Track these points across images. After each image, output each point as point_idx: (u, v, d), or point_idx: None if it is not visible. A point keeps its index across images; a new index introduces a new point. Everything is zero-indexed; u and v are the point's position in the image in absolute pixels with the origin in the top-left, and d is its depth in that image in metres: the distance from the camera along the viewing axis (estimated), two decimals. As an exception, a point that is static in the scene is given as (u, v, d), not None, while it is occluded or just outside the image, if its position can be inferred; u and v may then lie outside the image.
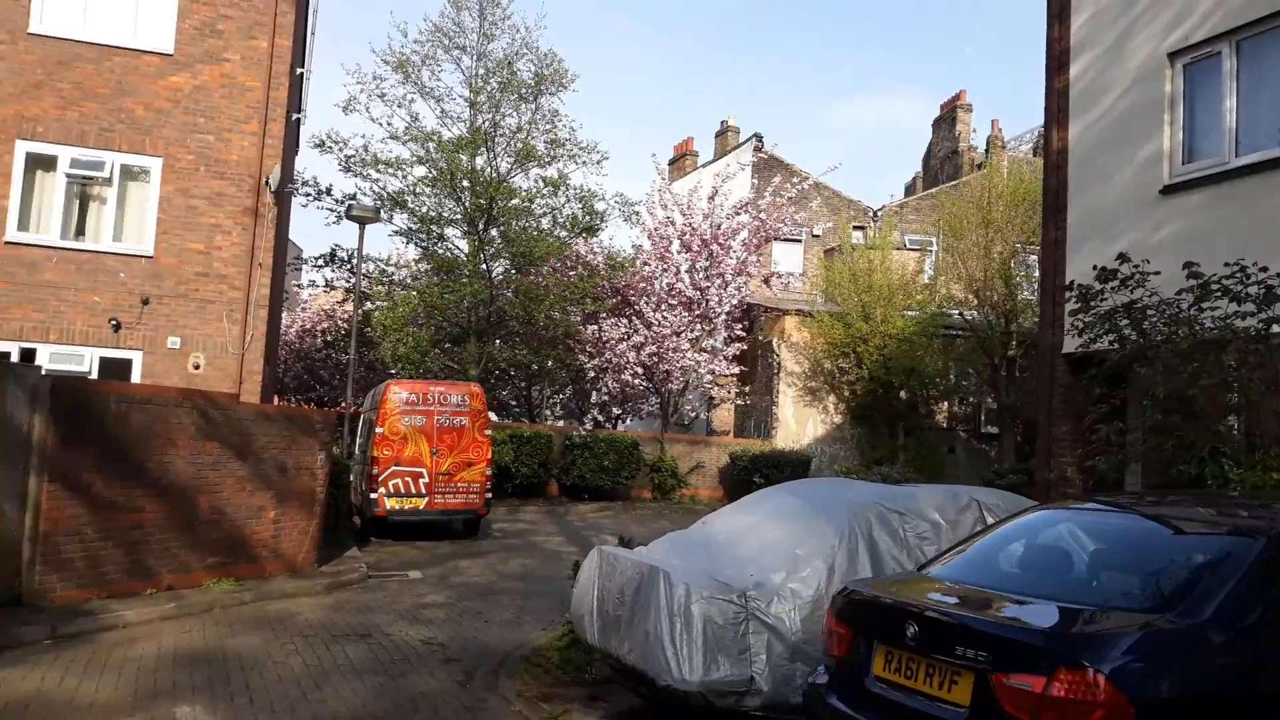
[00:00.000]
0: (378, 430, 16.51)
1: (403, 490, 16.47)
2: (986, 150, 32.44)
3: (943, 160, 36.22)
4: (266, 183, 15.28)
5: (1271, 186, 9.55)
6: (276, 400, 29.45)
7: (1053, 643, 3.90)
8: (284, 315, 32.40)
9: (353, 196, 20.91)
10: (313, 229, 57.65)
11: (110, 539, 9.97)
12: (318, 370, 31.03)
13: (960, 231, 23.82)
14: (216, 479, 11.45)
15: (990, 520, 6.87)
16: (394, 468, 16.38)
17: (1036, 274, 23.43)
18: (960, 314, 24.42)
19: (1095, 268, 8.35)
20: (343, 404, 19.96)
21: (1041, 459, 11.54)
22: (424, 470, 16.51)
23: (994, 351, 23.72)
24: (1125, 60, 11.21)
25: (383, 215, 23.49)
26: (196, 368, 15.20)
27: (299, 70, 16.07)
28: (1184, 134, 10.59)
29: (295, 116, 16.12)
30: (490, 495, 17.23)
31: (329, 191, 23.03)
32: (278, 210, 15.56)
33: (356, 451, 18.29)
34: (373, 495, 16.36)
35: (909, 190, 38.37)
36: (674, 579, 5.92)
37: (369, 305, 25.58)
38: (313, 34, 16.28)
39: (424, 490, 16.53)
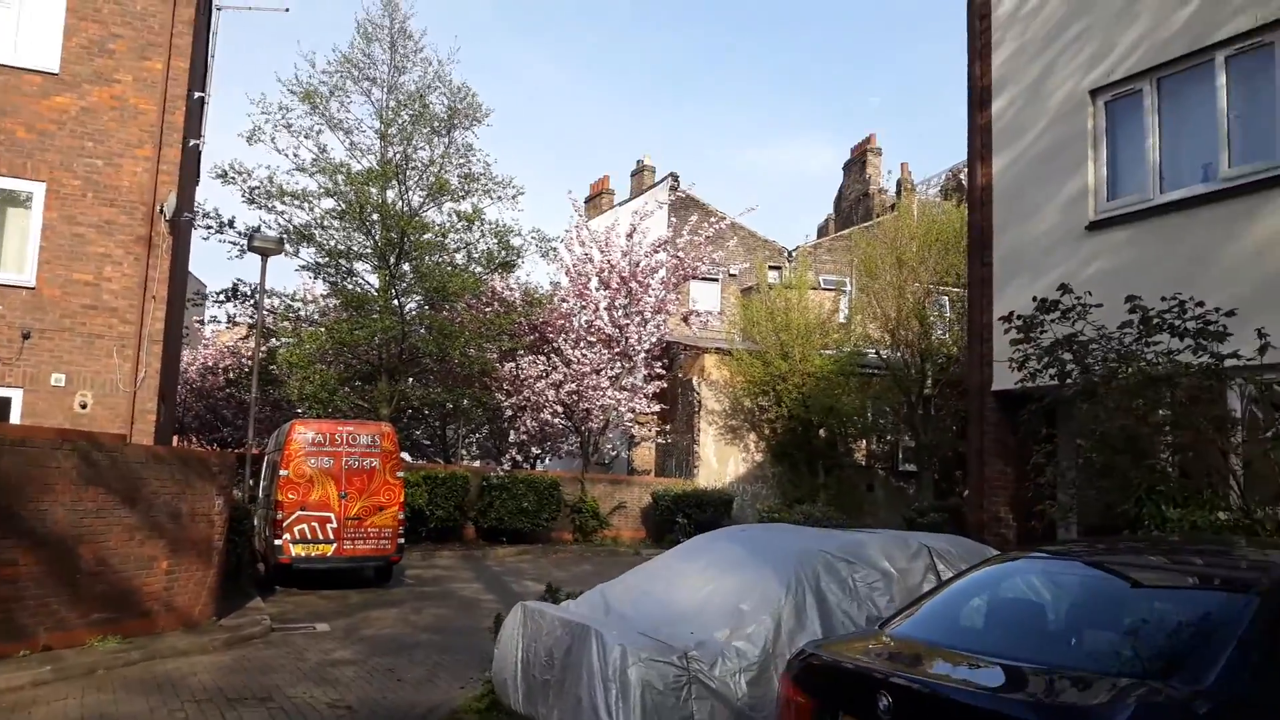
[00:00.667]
0: (282, 473, 15.70)
1: (309, 536, 15.66)
2: (897, 192, 32.76)
3: (854, 202, 36.54)
4: (161, 211, 14.35)
5: (1197, 222, 9.50)
6: (176, 441, 28.17)
7: (1047, 715, 3.44)
8: (184, 352, 31.09)
9: (256, 229, 19.98)
10: (215, 263, 55.56)
11: (-25, 598, 8.97)
12: (220, 410, 29.77)
13: (875, 271, 23.83)
14: (101, 527, 10.50)
15: (941, 566, 6.47)
16: (300, 512, 15.59)
17: (949, 314, 23.75)
18: (877, 353, 24.35)
19: (1035, 299, 8.10)
20: (245, 445, 18.85)
21: (974, 499, 11.28)
22: (332, 515, 15.74)
23: (910, 390, 23.67)
24: (1047, 97, 11.16)
25: (288, 248, 22.75)
26: (84, 407, 14.10)
27: (197, 94, 15.19)
28: (1108, 170, 10.54)
29: (193, 143, 15.20)
30: (403, 540, 16.47)
31: (231, 224, 22.26)
32: (174, 240, 14.62)
33: (260, 495, 17.41)
34: (277, 541, 15.52)
35: (822, 232, 38.64)
36: (608, 640, 5.35)
37: (275, 342, 24.63)
38: (213, 57, 15.43)
39: (332, 536, 15.73)
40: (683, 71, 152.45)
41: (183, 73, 14.66)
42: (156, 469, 11.32)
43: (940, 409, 23.62)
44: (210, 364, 28.99)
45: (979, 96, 11.72)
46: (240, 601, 13.69)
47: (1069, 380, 8.03)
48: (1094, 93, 10.66)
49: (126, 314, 14.25)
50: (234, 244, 22.33)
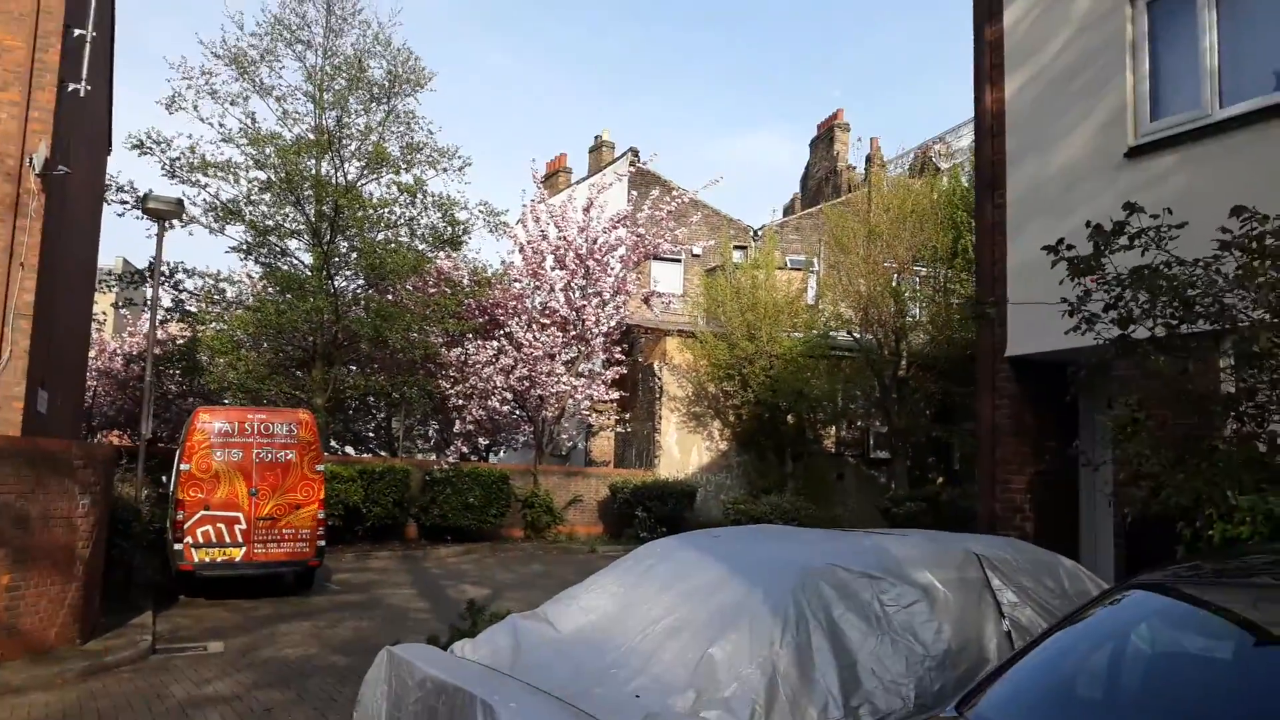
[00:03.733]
0: (183, 467, 13.63)
1: (214, 539, 13.56)
2: (866, 168, 31.07)
3: (821, 180, 34.87)
4: (30, 163, 11.90)
5: (1268, 140, 7.45)
6: (88, 439, 25.86)
7: None
8: (106, 340, 28.81)
9: (178, 203, 17.72)
10: (143, 246, 52.07)
11: None
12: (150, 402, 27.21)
13: (846, 246, 22.09)
14: (-92, 538, 8.17)
15: (997, 582, 4.34)
16: (203, 512, 13.51)
17: (920, 291, 22.04)
18: (849, 334, 22.71)
19: (1088, 224, 6.01)
20: (139, 437, 16.82)
21: (985, 486, 9.25)
22: (241, 515, 13.67)
23: (883, 372, 22.00)
24: (1070, 1, 9.10)
25: (207, 222, 20.98)
26: (-68, 394, 11.64)
27: (77, 31, 12.73)
28: (1150, 84, 8.50)
29: (73, 87, 12.75)
30: (323, 543, 14.33)
31: (146, 198, 19.68)
32: (46, 197, 12.16)
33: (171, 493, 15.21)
34: (177, 546, 13.41)
35: (788, 211, 37.05)
36: (500, 714, 3.14)
37: (201, 327, 22.57)
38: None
39: (240, 539, 13.65)
40: (640, 68, 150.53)
41: (58, 4, 12.21)
42: (-10, 463, 9.02)
43: (915, 392, 21.95)
44: (137, 352, 26.59)
45: (987, 6, 9.65)
46: (128, 617, 11.65)
47: (1130, 330, 5.95)
48: (1131, -8, 8.61)
49: (-14, 284, 11.77)
50: (128, 209, 20.44)
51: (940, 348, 20.91)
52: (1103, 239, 5.86)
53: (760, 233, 30.23)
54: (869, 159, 31.57)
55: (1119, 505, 8.04)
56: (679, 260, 29.04)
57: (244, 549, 13.64)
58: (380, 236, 21.99)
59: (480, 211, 22.65)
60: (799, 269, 26.44)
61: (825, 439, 25.15)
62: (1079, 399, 9.32)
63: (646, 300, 25.33)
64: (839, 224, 22.67)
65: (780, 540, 4.56)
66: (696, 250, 28.91)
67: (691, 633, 3.83)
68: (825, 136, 35.29)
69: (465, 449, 23.09)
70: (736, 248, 27.82)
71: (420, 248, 22.23)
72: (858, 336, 22.39)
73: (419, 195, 21.79)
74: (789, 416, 23.69)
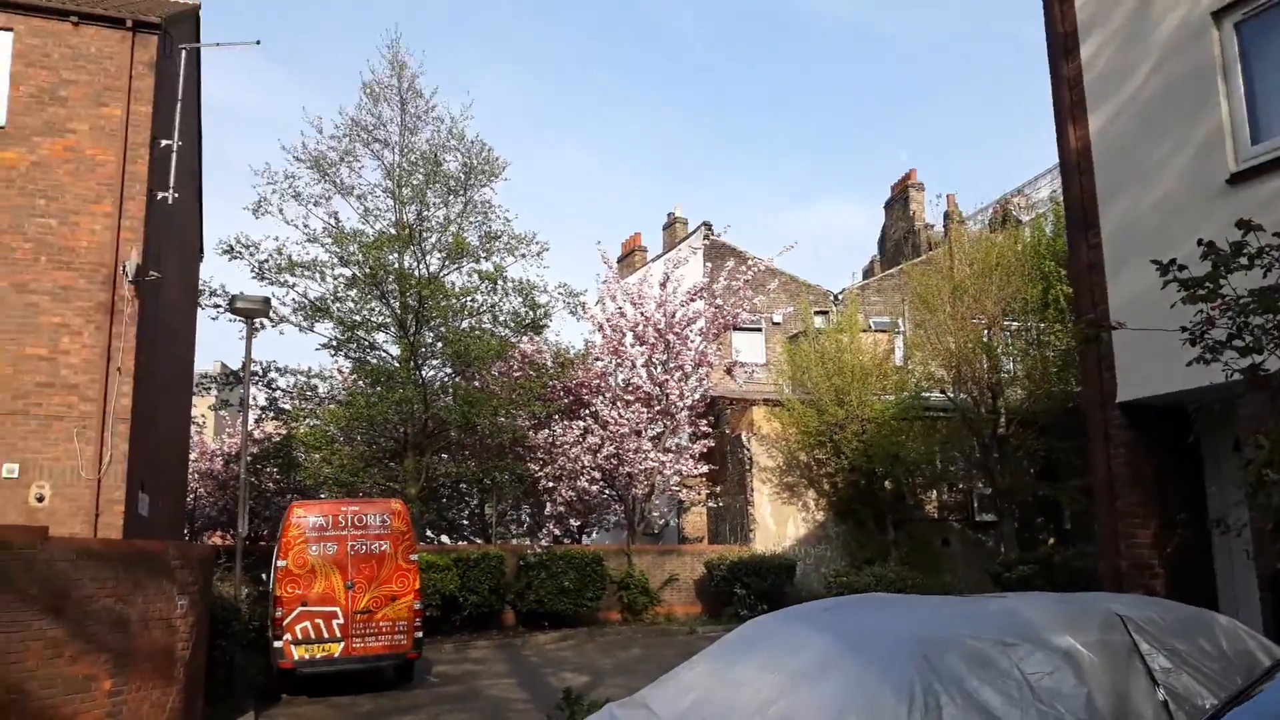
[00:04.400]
0: (279, 564, 13.69)
1: (313, 635, 13.54)
2: (945, 226, 30.51)
3: (899, 241, 34.41)
4: (123, 271, 12.33)
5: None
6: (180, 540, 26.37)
7: None
8: (212, 442, 29.60)
9: (265, 301, 18.14)
10: (239, 348, 53.63)
11: None
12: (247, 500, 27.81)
13: (932, 304, 21.49)
14: (13, 644, 8.17)
15: (1146, 646, 3.85)
16: (301, 608, 13.53)
17: (1012, 345, 21.45)
18: (942, 393, 21.98)
19: (1200, 242, 5.57)
20: (234, 535, 17.01)
21: (1106, 543, 8.60)
22: (338, 609, 13.67)
23: (981, 431, 21.08)
24: (1150, 30, 8.73)
25: (297, 321, 21.45)
26: (40, 500, 11.97)
27: (164, 142, 13.27)
28: (1248, 107, 8.01)
29: (160, 195, 13.23)
30: (421, 634, 14.20)
31: (237, 300, 20.31)
32: (140, 303, 12.57)
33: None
34: (277, 644, 13.42)
35: (867, 274, 36.48)
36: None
37: (295, 424, 23.12)
38: (180, 101, 13.53)
39: (339, 634, 13.61)
40: (705, 148, 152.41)
41: (145, 118, 12.78)
42: (91, 568, 9.03)
43: (1017, 450, 20.93)
44: (235, 453, 27.21)
45: (1062, 43, 9.33)
46: (230, 718, 11.55)
47: (1260, 359, 5.44)
48: (1217, 14, 8.21)
49: (88, 391, 12.17)
50: (220, 312, 21.00)
51: (1039, 402, 20.04)
52: (1220, 259, 5.40)
53: (841, 297, 29.79)
54: (947, 216, 31.04)
55: (1261, 559, 7.39)
56: (759, 329, 28.68)
57: (342, 644, 13.57)
58: (464, 324, 22.24)
59: (559, 293, 22.72)
60: (883, 330, 25.96)
61: (926, 504, 24.38)
62: (1201, 442, 8.69)
63: (729, 371, 25.21)
64: (922, 282, 22.11)
65: (896, 610, 4.16)
66: (776, 318, 28.53)
67: (805, 715, 3.44)
68: (899, 198, 34.90)
69: (558, 531, 22.84)
70: (817, 313, 27.65)
71: (503, 333, 22.42)
72: (951, 396, 21.75)
73: (499, 282, 22.05)
74: (886, 482, 23.04)
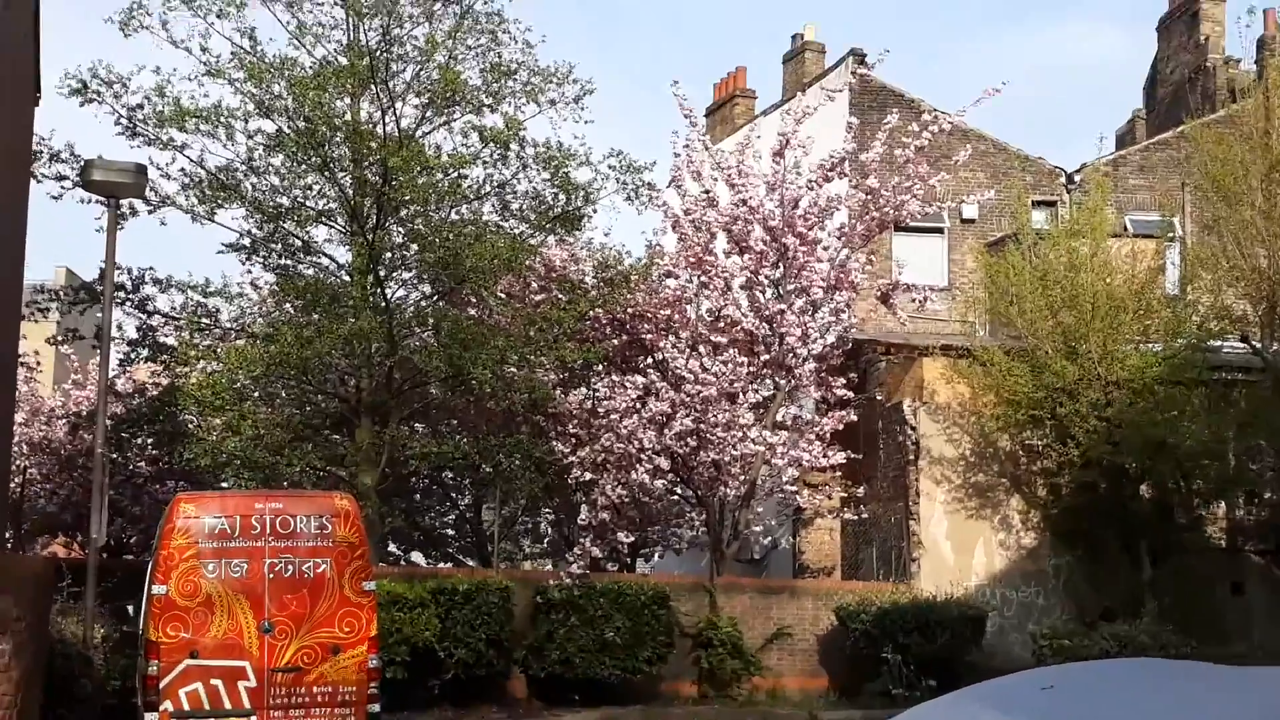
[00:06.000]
0: (156, 590, 13.80)
1: (208, 705, 13.73)
2: (1259, 60, 29.85)
3: (1179, 86, 33.55)
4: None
5: None
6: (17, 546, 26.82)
7: None
8: (50, 397, 29.97)
9: (139, 172, 18.44)
10: (94, 245, 52.69)
11: None
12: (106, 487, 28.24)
13: (1233, 192, 21.30)
14: None
15: None
16: (189, 662, 13.67)
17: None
18: (1244, 341, 22.09)
19: None
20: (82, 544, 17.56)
21: None
22: (247, 665, 13.85)
23: (1311, 406, 21.15)
24: None
25: (188, 204, 21.95)
26: None
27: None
28: None
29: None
30: (377, 707, 14.48)
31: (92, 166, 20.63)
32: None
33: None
34: (150, 716, 13.61)
35: (1124, 141, 35.54)
36: None
37: (184, 369, 22.95)
38: None
39: (248, 703, 13.82)
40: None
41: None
42: None
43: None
44: (87, 413, 26.76)
45: None
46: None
47: None
48: None
49: None
50: (67, 188, 21.42)
51: None
52: None
53: (1078, 178, 29.27)
54: (1261, 43, 30.55)
55: None
56: (938, 229, 28.71)
57: (253, 718, 13.78)
58: (454, 215, 22.51)
59: (610, 167, 22.79)
60: (1148, 235, 25.48)
61: (1208, 523, 24.42)
62: None
63: (886, 298, 25.03)
64: (1218, 156, 21.93)
65: (1177, 691, 4.23)
66: (969, 211, 28.20)
67: None
68: (1183, 13, 34.15)
69: (598, 552, 22.94)
70: (1038, 204, 27.27)
71: (518, 230, 22.72)
72: (1259, 347, 21.79)
73: (512, 146, 22.26)
74: (1143, 486, 23.09)
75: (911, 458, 24.52)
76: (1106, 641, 20.53)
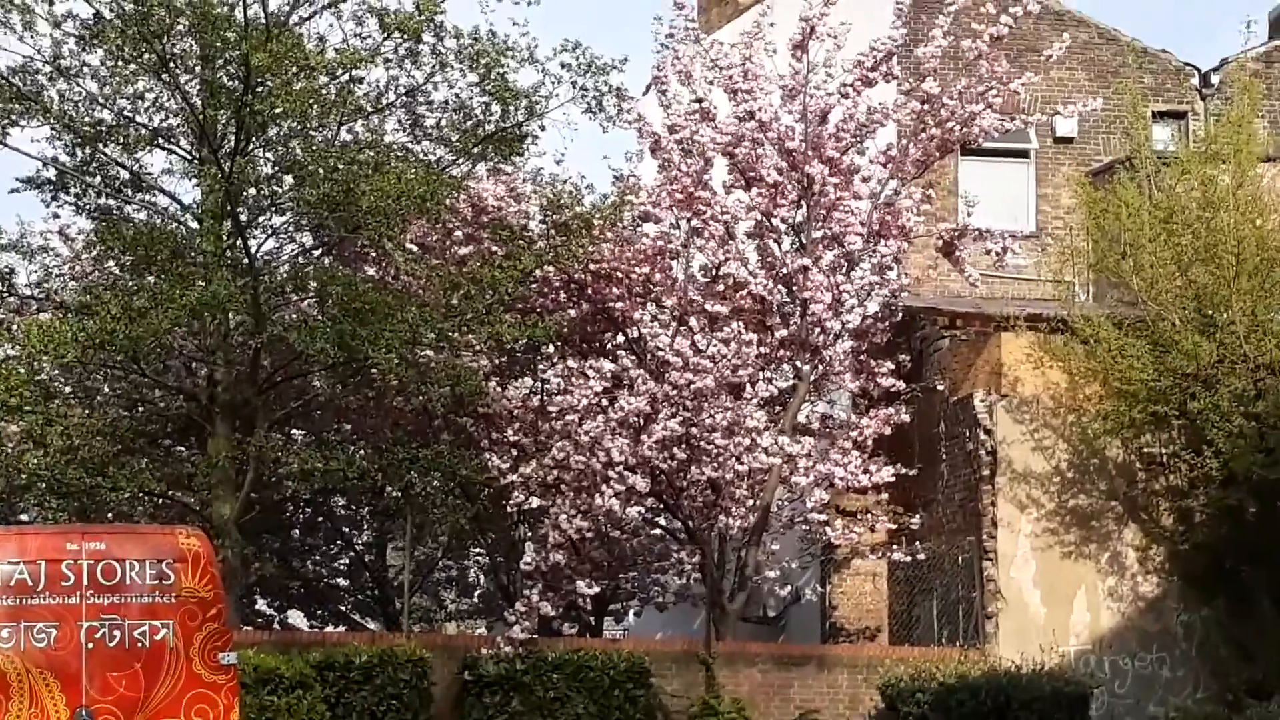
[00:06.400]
0: None
1: None
2: None
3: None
4: None
5: None
6: None
7: None
8: None
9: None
10: None
11: None
12: None
13: None
14: None
15: None
16: None
17: None
18: None
19: None
20: None
21: None
22: None
23: None
24: None
25: None
26: None
27: None
28: None
29: None
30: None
31: None
32: None
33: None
34: None
35: (1278, 29, 34.63)
36: None
37: None
38: None
39: None
40: None
41: None
42: None
43: None
44: None
45: None
46: None
47: None
48: None
49: None
50: None
51: None
52: None
53: (1218, 79, 27.94)
54: None
55: None
56: (1024, 154, 27.25)
57: None
58: (345, 135, 21.89)
59: (566, 67, 21.77)
60: None
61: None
62: None
63: (949, 250, 23.89)
64: None
65: None
66: (1065, 128, 26.59)
67: None
68: None
69: (549, 608, 21.71)
70: (1161, 116, 26.70)
71: (435, 156, 22.24)
72: None
73: (427, 36, 21.41)
74: None
75: (986, 473, 22.79)
76: (1262, 732, 19.96)
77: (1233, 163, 21.96)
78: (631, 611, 26.46)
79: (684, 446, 21.20)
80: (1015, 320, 22.76)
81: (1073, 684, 20.61)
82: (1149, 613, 22.51)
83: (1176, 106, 27.92)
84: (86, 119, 21.32)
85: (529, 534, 22.89)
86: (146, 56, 20.34)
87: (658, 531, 23.25)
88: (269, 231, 22.25)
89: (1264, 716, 19.54)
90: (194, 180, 21.62)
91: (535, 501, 21.63)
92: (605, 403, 21.29)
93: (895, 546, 23.24)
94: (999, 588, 22.32)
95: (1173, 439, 21.95)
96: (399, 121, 22.40)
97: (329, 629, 25.61)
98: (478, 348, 22.08)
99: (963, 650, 21.80)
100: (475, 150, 21.97)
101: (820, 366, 22.04)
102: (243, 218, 20.98)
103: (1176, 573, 22.46)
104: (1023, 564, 22.50)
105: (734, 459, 20.94)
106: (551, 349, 22.70)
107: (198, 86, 20.82)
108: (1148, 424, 21.75)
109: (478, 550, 26.54)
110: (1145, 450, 22.33)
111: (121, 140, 21.44)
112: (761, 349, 21.64)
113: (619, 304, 22.52)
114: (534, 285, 22.18)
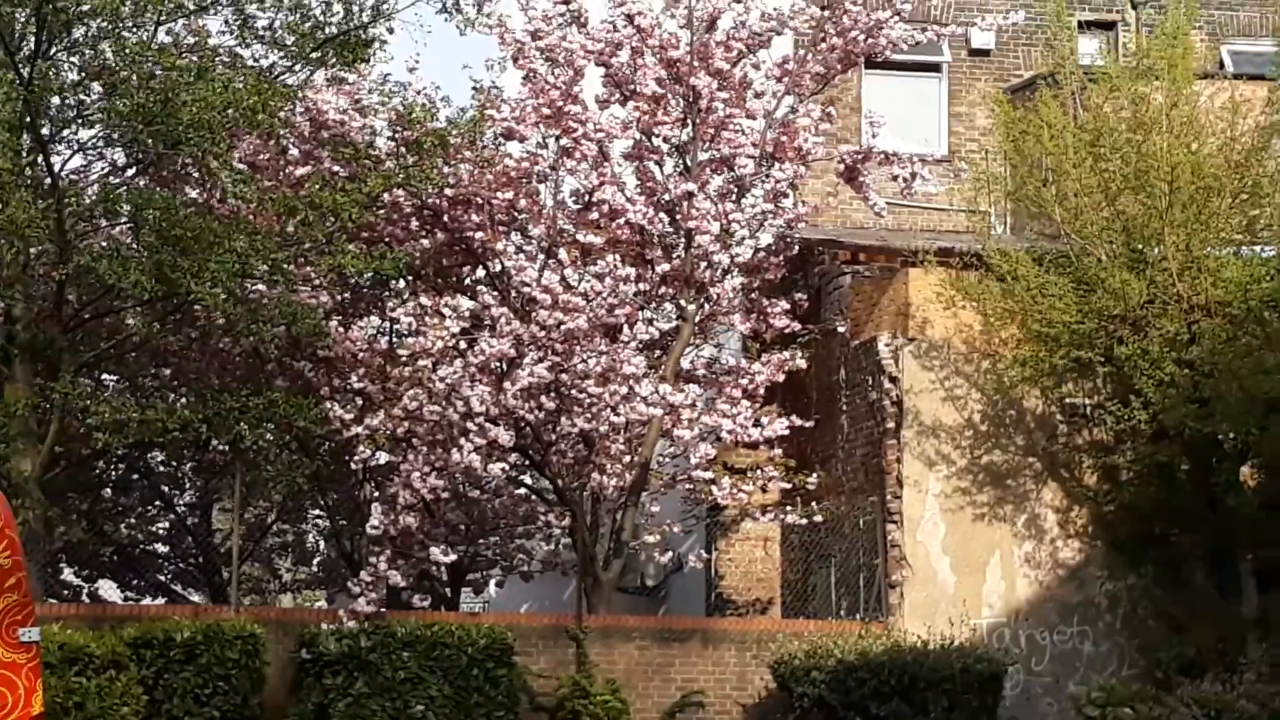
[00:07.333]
0: None
1: None
2: None
3: None
4: None
5: None
6: None
7: None
8: None
9: None
10: None
11: None
12: None
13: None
14: None
15: None
16: None
17: None
18: None
19: None
20: None
21: None
22: None
23: None
24: None
25: None
26: None
27: None
28: None
29: None
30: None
31: None
32: None
33: None
34: None
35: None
36: None
37: None
38: None
39: None
40: None
41: None
42: None
43: None
44: None
45: None
46: None
47: None
48: None
49: None
50: None
51: None
52: None
53: None
54: None
55: None
56: (935, 67, 26.87)
57: None
58: (163, 36, 20.43)
59: None
60: (1259, 76, 23.95)
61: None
62: None
63: (852, 175, 23.15)
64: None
65: None
66: (980, 40, 26.07)
67: None
68: None
69: (399, 578, 21.12)
70: (1088, 27, 26.39)
71: (266, 62, 21.08)
72: None
73: None
74: (1244, 469, 21.45)
75: (891, 426, 22.33)
76: (1190, 709, 19.11)
77: (1166, 79, 21.42)
78: (493, 582, 25.90)
79: (553, 395, 20.86)
80: (924, 255, 22.08)
81: (985, 661, 20.23)
82: (1070, 582, 22.25)
83: (1105, 16, 27.47)
84: None
85: (376, 494, 22.40)
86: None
87: (523, 491, 22.57)
88: (75, 147, 20.78)
89: (1196, 696, 19.15)
90: (-11, 89, 21.97)
91: (383, 457, 21.61)
92: (463, 345, 20.70)
93: (789, 508, 22.62)
94: (904, 554, 21.91)
95: (1097, 388, 21.80)
96: (225, 22, 20.72)
97: (146, 601, 25.26)
98: (317, 282, 21.25)
99: (864, 624, 21.54)
100: (313, 55, 20.63)
101: (707, 305, 21.77)
102: (44, 131, 19.78)
103: (1100, 537, 22.20)
104: (931, 527, 22.11)
105: (609, 409, 20.42)
106: (402, 284, 22.45)
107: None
108: (1070, 371, 21.43)
109: (317, 513, 26.39)
110: (1067, 401, 22.16)
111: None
112: (640, 285, 21.26)
113: (478, 233, 21.72)
114: (381, 211, 21.15)
